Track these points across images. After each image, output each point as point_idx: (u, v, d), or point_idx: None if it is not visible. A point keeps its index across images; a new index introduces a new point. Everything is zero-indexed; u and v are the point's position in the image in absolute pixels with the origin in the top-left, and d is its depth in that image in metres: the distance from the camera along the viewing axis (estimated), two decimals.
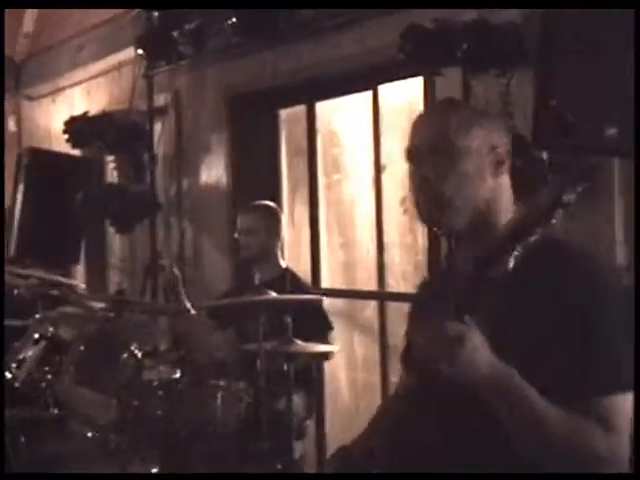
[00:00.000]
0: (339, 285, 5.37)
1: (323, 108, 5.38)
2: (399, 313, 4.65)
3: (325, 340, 4.21)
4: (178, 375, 4.00)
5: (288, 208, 5.63)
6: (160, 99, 6.08)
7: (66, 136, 5.99)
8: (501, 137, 1.94)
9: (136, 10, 5.97)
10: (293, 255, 5.48)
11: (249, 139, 5.60)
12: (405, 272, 4.97)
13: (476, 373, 1.64)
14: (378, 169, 4.92)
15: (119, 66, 6.60)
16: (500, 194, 1.91)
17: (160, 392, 3.93)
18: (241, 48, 5.17)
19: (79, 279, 6.81)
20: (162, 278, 5.05)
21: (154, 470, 3.85)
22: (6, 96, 8.01)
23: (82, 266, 7.17)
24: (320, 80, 5.01)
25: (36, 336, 4.30)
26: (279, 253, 4.71)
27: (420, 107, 4.42)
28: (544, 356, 1.72)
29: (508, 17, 3.59)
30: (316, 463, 5.11)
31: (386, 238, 4.94)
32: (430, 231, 4.16)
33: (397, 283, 5.00)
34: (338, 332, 4.51)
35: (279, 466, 3.79)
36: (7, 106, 8.21)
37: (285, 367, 3.77)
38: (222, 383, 3.92)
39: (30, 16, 7.83)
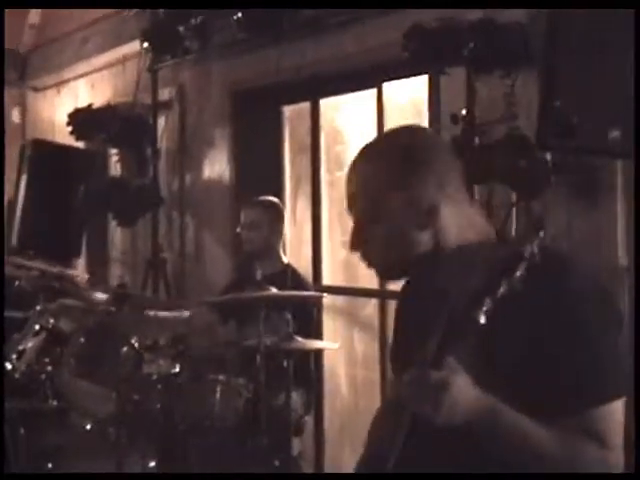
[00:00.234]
0: (340, 282, 5.37)
1: (327, 105, 5.37)
2: None
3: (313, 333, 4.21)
4: (177, 369, 4.00)
5: (290, 205, 5.63)
6: (164, 93, 6.08)
7: (70, 128, 5.98)
8: (428, 189, 1.78)
9: None
10: (294, 252, 5.48)
11: (252, 135, 5.60)
12: None
13: (463, 415, 1.62)
14: None
15: (124, 59, 6.60)
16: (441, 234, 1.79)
17: (159, 386, 3.93)
18: (246, 44, 5.17)
19: (81, 272, 6.81)
20: None
21: (152, 464, 3.86)
22: (11, 87, 8.01)
23: (84, 259, 7.17)
24: (324, 77, 5.01)
25: (37, 328, 4.29)
26: (281, 249, 4.72)
27: (424, 106, 4.42)
28: (532, 373, 1.69)
29: (514, 17, 3.59)
30: (314, 460, 5.11)
31: None
32: None
33: None
34: (338, 329, 4.50)
35: (277, 462, 3.79)
36: (12, 97, 8.21)
37: (285, 363, 3.78)
38: (221, 378, 3.92)
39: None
